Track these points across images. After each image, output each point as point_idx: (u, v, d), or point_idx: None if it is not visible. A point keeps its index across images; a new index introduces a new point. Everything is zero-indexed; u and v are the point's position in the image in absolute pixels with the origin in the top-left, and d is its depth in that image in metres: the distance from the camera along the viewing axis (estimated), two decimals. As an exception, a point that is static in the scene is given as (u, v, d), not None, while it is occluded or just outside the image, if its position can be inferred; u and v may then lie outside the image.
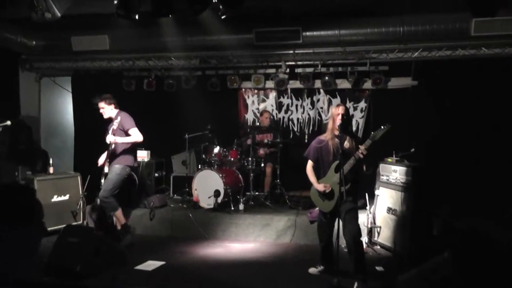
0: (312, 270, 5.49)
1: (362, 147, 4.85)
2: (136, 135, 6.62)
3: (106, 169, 6.57)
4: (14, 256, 1.88)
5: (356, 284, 4.77)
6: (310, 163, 5.32)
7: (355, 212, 5.10)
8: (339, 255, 4.77)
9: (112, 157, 6.61)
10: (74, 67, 9.90)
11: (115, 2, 5.19)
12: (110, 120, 6.75)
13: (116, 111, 6.81)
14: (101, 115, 6.78)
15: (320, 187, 5.13)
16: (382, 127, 4.85)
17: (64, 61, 9.75)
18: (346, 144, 5.06)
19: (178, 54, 9.07)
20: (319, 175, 5.27)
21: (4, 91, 9.23)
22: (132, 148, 6.83)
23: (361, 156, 4.83)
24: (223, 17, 5.28)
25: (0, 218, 1.89)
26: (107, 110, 6.77)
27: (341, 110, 5.13)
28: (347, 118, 5.16)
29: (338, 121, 5.07)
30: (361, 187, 6.68)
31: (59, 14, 5.75)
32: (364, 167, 5.02)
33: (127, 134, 6.61)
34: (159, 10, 5.19)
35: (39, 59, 9.72)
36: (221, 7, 5.14)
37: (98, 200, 6.58)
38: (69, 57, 9.54)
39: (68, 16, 6.45)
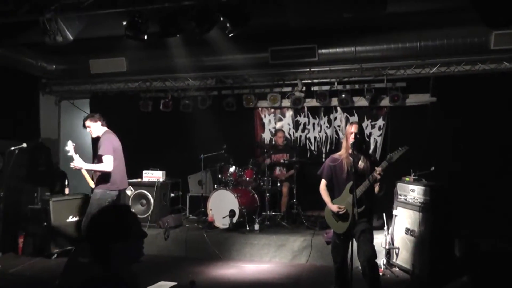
0: (326, 292, 5.32)
1: (378, 169, 4.70)
2: (105, 164, 6.02)
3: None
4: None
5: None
6: (323, 182, 5.18)
7: (370, 233, 4.93)
8: (353, 277, 4.61)
9: (97, 181, 6.20)
10: (92, 89, 10.04)
11: (124, 23, 5.23)
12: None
13: (104, 129, 6.37)
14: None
15: (334, 207, 4.98)
16: (400, 148, 4.72)
17: (82, 84, 9.92)
18: (361, 164, 4.91)
19: (194, 74, 9.13)
20: (333, 194, 5.13)
21: (25, 114, 9.42)
22: (116, 171, 6.17)
23: (378, 177, 4.70)
24: (230, 35, 5.27)
25: (121, 233, 2.33)
26: (94, 128, 6.29)
27: (354, 128, 4.99)
28: (360, 136, 5.02)
29: (351, 139, 4.93)
30: (379, 207, 6.54)
31: (71, 38, 5.84)
32: (376, 189, 4.86)
33: (100, 159, 6.10)
34: (167, 30, 5.22)
35: (58, 82, 9.92)
36: (228, 25, 5.12)
37: None
38: (87, 80, 9.70)
39: (85, 39, 6.56)
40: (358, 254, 4.84)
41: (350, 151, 4.95)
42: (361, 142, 5.01)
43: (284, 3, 5.13)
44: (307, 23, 5.59)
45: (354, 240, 4.75)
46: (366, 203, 4.82)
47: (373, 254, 4.87)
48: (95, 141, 6.55)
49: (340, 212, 4.91)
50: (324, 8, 4.91)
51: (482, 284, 3.60)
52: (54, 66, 9.08)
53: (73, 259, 5.39)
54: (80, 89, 10.05)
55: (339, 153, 5.18)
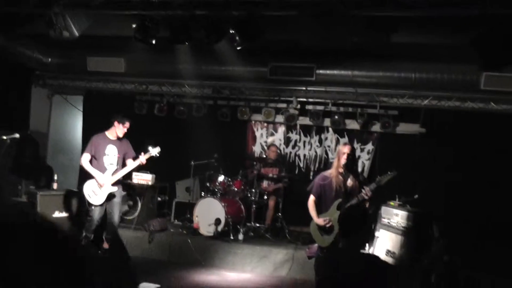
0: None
1: (367, 189, 4.92)
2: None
3: (111, 189, 6.58)
4: None
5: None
6: (312, 198, 5.35)
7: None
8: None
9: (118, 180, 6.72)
10: (87, 87, 9.91)
11: (134, 26, 5.33)
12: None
13: None
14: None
15: (320, 221, 5.15)
16: (389, 172, 4.96)
17: (77, 80, 9.77)
18: (349, 182, 5.12)
19: (192, 82, 9.17)
20: (320, 210, 5.29)
21: (15, 105, 9.25)
22: None
23: (366, 197, 4.90)
24: (238, 48, 5.40)
25: None
26: None
27: (347, 149, 5.20)
28: (352, 158, 5.25)
29: (344, 160, 5.13)
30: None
31: (77, 34, 5.86)
32: (367, 205, 5.06)
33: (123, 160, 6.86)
34: (177, 37, 5.33)
35: (53, 76, 9.72)
36: (237, 38, 5.25)
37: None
38: (83, 77, 9.59)
39: (85, 36, 6.56)
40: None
41: (341, 170, 5.15)
42: (352, 162, 5.23)
43: (299, 23, 5.28)
44: (319, 44, 5.74)
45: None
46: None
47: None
48: (112, 140, 6.86)
49: (327, 225, 5.08)
50: (336, 32, 5.08)
51: None
52: (49, 59, 8.89)
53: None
54: (75, 85, 9.90)
55: (329, 171, 5.37)
